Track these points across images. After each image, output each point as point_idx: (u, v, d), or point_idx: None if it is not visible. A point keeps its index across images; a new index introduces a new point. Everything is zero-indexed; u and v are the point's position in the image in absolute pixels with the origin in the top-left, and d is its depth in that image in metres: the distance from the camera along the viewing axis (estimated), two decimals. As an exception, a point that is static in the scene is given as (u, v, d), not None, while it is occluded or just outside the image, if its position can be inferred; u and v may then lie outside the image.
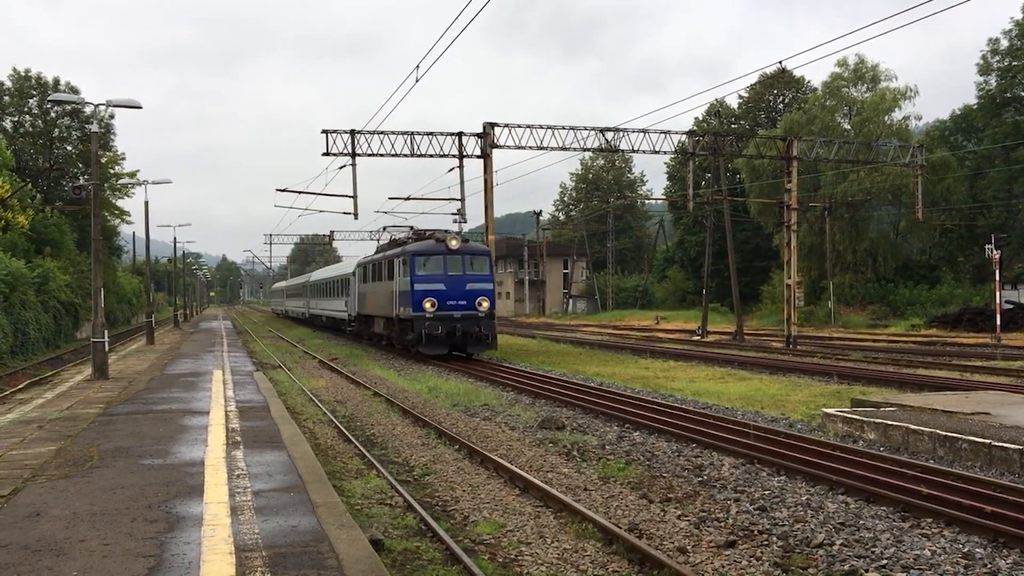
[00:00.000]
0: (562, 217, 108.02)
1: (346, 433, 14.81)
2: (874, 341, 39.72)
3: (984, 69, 56.36)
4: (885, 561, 7.67)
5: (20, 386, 23.39)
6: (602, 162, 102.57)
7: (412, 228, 36.97)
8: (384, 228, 40.02)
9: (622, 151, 37.38)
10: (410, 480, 11.50)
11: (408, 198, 42.57)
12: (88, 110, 46.35)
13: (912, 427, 12.61)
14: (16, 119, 55.99)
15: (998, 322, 36.32)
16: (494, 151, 34.64)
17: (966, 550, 7.88)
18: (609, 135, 35.04)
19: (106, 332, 23.79)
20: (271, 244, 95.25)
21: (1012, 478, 10.45)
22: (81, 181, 45.12)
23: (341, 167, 34.92)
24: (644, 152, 35.67)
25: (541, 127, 34.51)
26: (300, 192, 40.92)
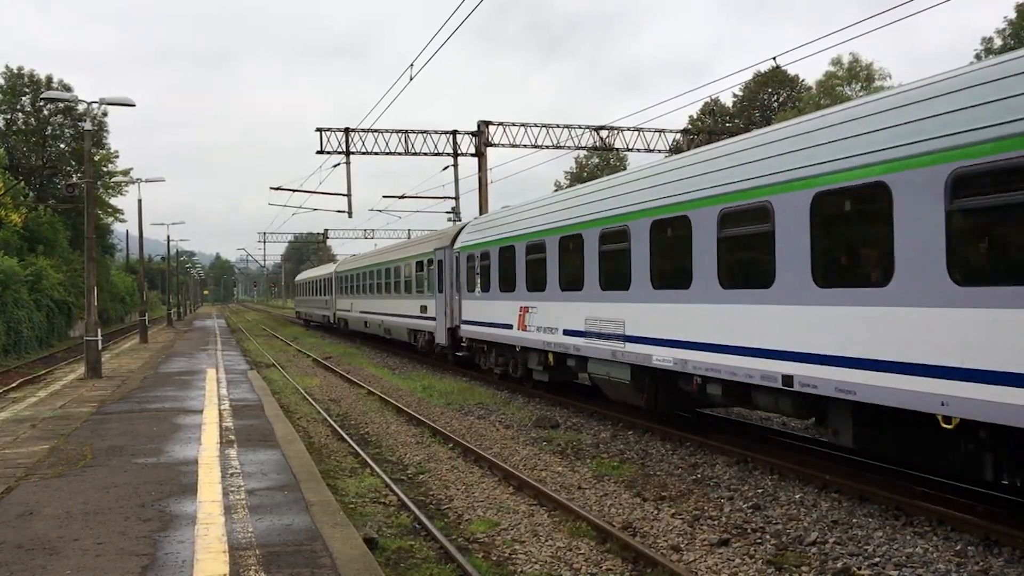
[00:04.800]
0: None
1: (340, 432, 14.81)
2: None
3: (978, 68, 56.58)
4: (878, 559, 7.70)
5: (13, 384, 23.35)
6: (597, 160, 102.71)
7: None
8: None
9: (616, 149, 37.46)
10: (404, 479, 11.51)
11: (402, 196, 42.65)
12: (81, 108, 46.27)
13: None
14: (8, 117, 55.83)
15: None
16: (488, 149, 34.68)
17: (958, 548, 7.90)
18: (603, 133, 35.08)
19: (99, 331, 23.74)
20: (265, 242, 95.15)
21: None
22: (74, 179, 45.00)
23: (335, 165, 34.99)
24: (639, 151, 35.78)
25: (535, 125, 34.56)
26: (294, 190, 41.02)
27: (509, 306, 18.28)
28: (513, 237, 18.24)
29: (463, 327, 21.83)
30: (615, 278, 13.77)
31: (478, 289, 20.47)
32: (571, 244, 15.31)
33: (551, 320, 16.13)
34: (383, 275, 32.74)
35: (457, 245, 22.46)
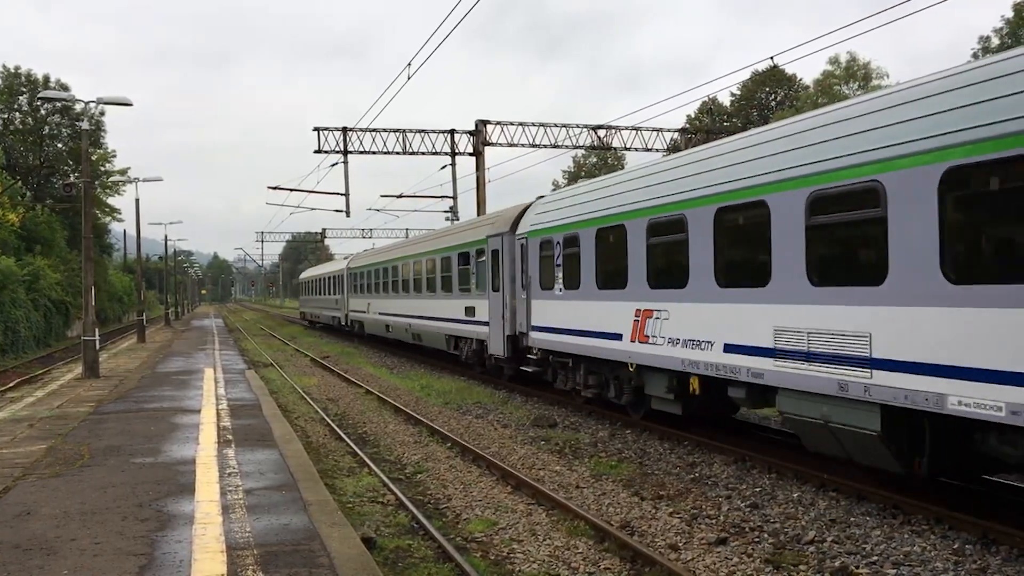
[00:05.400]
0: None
1: (338, 431, 14.80)
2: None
3: (975, 67, 56.64)
4: (876, 558, 7.70)
5: (11, 384, 23.31)
6: (595, 159, 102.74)
7: None
8: None
9: (614, 149, 37.47)
10: (402, 478, 11.50)
11: (400, 196, 42.68)
12: (78, 107, 46.29)
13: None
14: (6, 116, 55.79)
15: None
16: (486, 148, 34.69)
17: (956, 546, 7.91)
18: (601, 132, 35.08)
19: (97, 330, 23.71)
20: (263, 242, 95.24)
21: (1003, 474, 10.50)
22: (71, 179, 44.96)
23: (333, 164, 34.99)
24: (636, 150, 35.78)
25: (533, 124, 34.56)
26: (292, 190, 41.01)
27: (616, 308, 13.66)
28: (623, 214, 13.44)
29: (533, 335, 17.12)
30: (848, 267, 9.12)
31: (559, 285, 15.87)
32: (742, 217, 10.68)
33: (699, 330, 11.44)
34: (412, 270, 27.70)
35: (522, 230, 17.79)
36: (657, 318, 12.49)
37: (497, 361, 19.99)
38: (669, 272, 12.28)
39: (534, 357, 17.45)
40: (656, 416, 13.80)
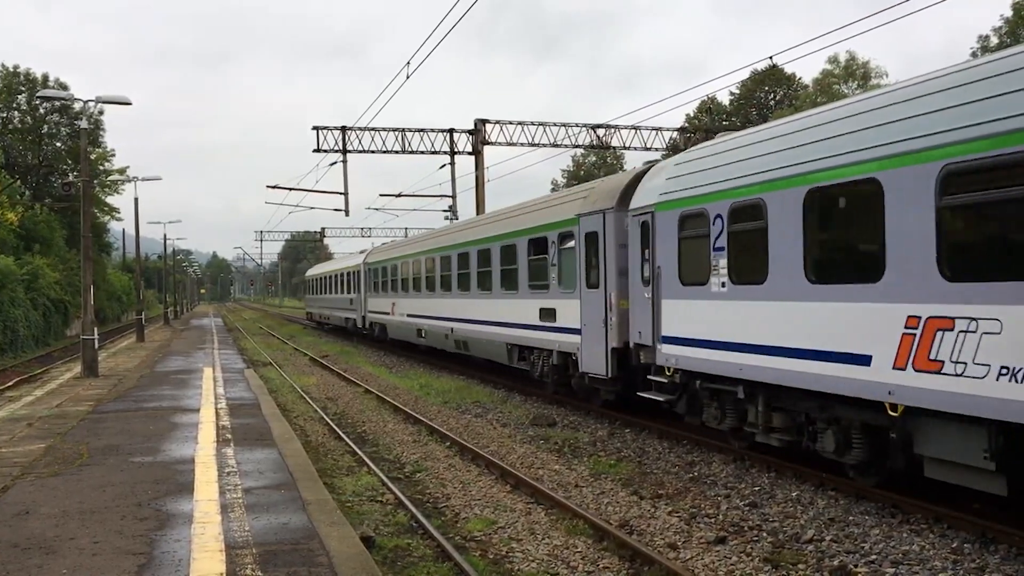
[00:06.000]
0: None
1: (337, 430, 14.81)
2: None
3: (974, 66, 56.62)
4: (874, 557, 7.70)
5: (10, 383, 23.29)
6: (594, 159, 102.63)
7: None
8: None
9: (613, 148, 37.47)
10: (401, 477, 11.51)
11: (399, 195, 42.67)
12: (77, 106, 46.26)
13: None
14: (5, 115, 55.76)
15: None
16: (485, 147, 34.69)
17: (955, 545, 7.91)
18: (600, 132, 35.09)
19: (96, 329, 23.70)
20: (262, 241, 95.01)
21: None
22: (71, 178, 44.93)
23: (332, 164, 34.99)
24: (635, 149, 35.78)
25: (532, 124, 34.56)
26: (291, 189, 40.97)
27: (855, 314, 8.85)
28: (871, 161, 8.56)
29: (666, 349, 12.44)
30: None
31: (720, 279, 11.16)
32: None
33: None
34: (455, 264, 22.90)
35: (641, 202, 13.22)
36: (966, 331, 7.59)
37: (592, 381, 15.34)
38: (993, 254, 7.58)
39: (664, 380, 12.74)
40: (820, 463, 10.05)
